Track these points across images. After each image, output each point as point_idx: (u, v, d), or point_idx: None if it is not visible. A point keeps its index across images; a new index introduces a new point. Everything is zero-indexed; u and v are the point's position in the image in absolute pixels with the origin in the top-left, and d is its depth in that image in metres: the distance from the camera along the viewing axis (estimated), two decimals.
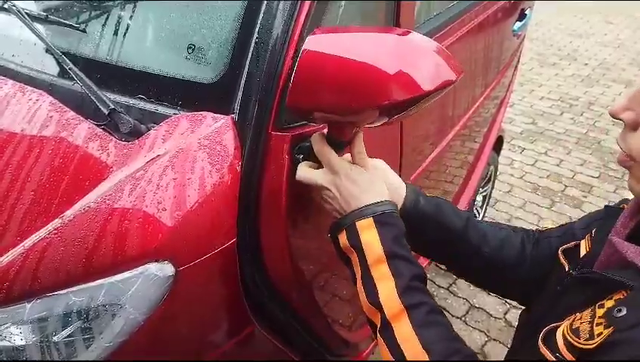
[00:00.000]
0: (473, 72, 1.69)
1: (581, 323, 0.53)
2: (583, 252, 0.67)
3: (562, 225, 0.84)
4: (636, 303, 0.51)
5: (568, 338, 0.53)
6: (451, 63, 0.68)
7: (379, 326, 0.68)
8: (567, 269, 0.66)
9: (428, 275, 2.44)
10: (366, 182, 0.75)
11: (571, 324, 0.55)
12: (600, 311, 0.53)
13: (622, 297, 0.53)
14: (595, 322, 0.52)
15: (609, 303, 0.53)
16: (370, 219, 0.71)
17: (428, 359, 0.62)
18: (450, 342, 0.64)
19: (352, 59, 0.65)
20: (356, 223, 0.72)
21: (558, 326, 0.56)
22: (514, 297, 0.91)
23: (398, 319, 0.65)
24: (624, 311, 0.50)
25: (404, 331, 0.64)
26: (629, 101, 0.56)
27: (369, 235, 0.70)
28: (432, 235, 0.85)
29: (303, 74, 0.68)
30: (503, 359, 0.74)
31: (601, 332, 0.50)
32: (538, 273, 0.81)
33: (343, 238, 0.73)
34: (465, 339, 1.99)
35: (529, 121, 3.86)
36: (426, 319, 0.65)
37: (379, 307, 0.67)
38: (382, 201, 0.73)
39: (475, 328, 2.08)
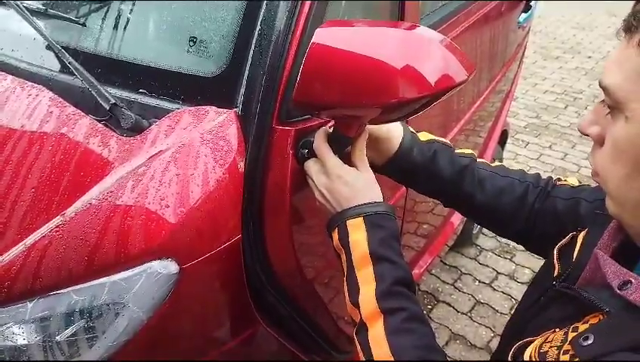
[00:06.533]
0: (478, 64, 1.67)
1: (550, 347, 0.51)
2: (576, 254, 0.65)
3: (574, 186, 0.81)
4: (604, 332, 0.48)
5: (534, 360, 0.52)
6: (463, 61, 0.67)
7: (356, 326, 0.68)
8: (555, 274, 0.64)
9: (433, 271, 2.40)
10: (360, 183, 0.74)
11: (540, 346, 0.53)
12: (571, 335, 0.51)
13: (596, 322, 0.51)
14: (563, 349, 0.50)
15: (582, 327, 0.51)
16: (360, 219, 0.71)
17: None
18: (422, 351, 0.63)
19: (360, 53, 0.64)
20: (347, 222, 0.72)
21: (531, 342, 0.55)
22: (510, 239, 0.90)
23: (373, 322, 0.65)
24: (590, 340, 0.48)
25: (377, 335, 0.64)
26: (594, 115, 0.55)
27: (358, 235, 0.70)
28: (423, 184, 0.88)
29: (311, 67, 0.67)
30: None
31: None
32: (536, 225, 0.81)
33: (335, 236, 0.73)
34: (471, 335, 1.97)
35: (533, 114, 3.83)
36: (400, 326, 0.64)
37: (358, 307, 0.68)
38: (375, 203, 0.73)
39: (480, 324, 2.07)
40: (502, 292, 2.23)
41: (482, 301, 2.19)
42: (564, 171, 3.11)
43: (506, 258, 2.43)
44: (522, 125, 3.67)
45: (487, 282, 2.29)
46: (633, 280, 0.49)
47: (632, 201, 0.50)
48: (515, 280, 2.29)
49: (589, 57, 4.95)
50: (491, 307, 2.15)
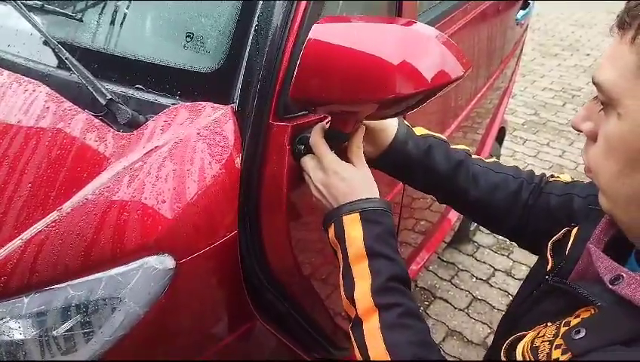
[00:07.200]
0: (476, 61, 1.67)
1: (542, 341, 0.52)
2: (569, 249, 0.65)
3: (567, 183, 0.82)
4: (596, 326, 0.49)
5: (527, 356, 0.52)
6: (460, 57, 0.67)
7: (352, 321, 0.68)
8: (548, 268, 0.64)
9: (430, 267, 2.40)
10: (356, 179, 0.74)
11: (533, 341, 0.53)
12: (563, 330, 0.51)
13: (588, 316, 0.51)
14: (555, 343, 0.50)
15: (574, 321, 0.51)
16: (357, 215, 0.71)
17: (389, 360, 0.62)
18: (417, 346, 0.63)
19: (357, 49, 0.64)
20: (343, 218, 0.72)
21: (524, 337, 0.55)
22: (504, 235, 0.91)
23: (368, 317, 0.66)
24: (582, 334, 0.48)
25: (372, 330, 0.65)
26: (588, 111, 0.55)
27: (354, 231, 0.71)
28: (418, 179, 0.88)
29: (308, 63, 0.67)
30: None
31: (558, 358, 0.48)
32: (530, 221, 0.81)
33: (331, 232, 0.73)
34: (468, 331, 1.97)
35: (531, 112, 3.84)
36: (395, 321, 0.65)
37: (353, 303, 0.68)
38: (371, 198, 0.73)
39: (477, 320, 2.07)
40: (499, 288, 2.24)
41: (479, 297, 2.19)
42: (561, 168, 3.12)
43: (503, 254, 2.44)
44: (520, 122, 3.68)
45: (484, 278, 2.30)
46: (624, 275, 0.49)
47: (623, 197, 0.51)
48: (512, 277, 2.30)
49: (588, 55, 4.96)
50: (488, 303, 2.16)
